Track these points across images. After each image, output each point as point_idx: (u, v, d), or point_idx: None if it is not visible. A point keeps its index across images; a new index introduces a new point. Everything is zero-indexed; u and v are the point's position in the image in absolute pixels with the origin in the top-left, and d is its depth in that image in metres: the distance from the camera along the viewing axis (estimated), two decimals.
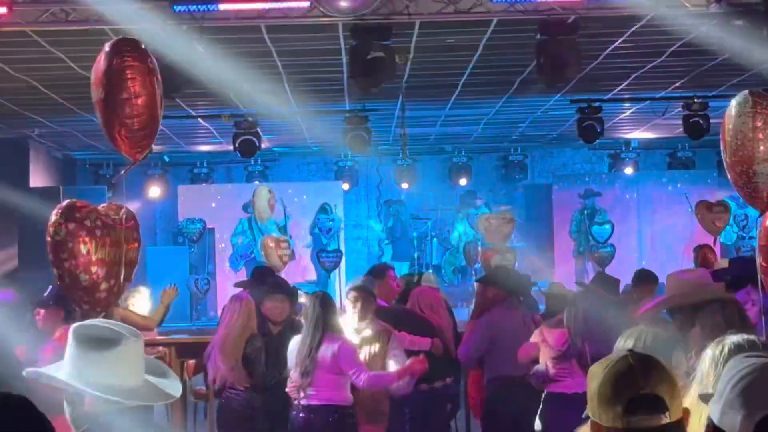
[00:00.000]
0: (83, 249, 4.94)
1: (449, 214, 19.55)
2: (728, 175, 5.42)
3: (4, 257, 14.96)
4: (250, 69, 11.43)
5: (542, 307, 8.66)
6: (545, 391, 7.24)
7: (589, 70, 11.69)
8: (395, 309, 8.11)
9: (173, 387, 3.17)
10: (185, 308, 16.84)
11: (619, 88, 13.53)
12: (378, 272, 8.80)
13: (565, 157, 20.28)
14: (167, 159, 18.90)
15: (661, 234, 18.84)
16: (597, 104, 14.18)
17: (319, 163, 19.83)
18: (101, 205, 5.27)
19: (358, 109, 14.06)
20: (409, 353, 7.16)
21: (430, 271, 18.08)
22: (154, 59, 5.32)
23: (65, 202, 5.12)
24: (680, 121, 14.54)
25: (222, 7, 8.63)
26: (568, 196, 19.30)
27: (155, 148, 14.86)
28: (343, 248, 18.64)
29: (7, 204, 14.40)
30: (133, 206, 16.24)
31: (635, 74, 12.52)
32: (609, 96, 14.09)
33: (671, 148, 19.43)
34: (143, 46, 5.32)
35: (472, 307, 9.07)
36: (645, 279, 8.56)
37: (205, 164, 19.28)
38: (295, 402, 6.88)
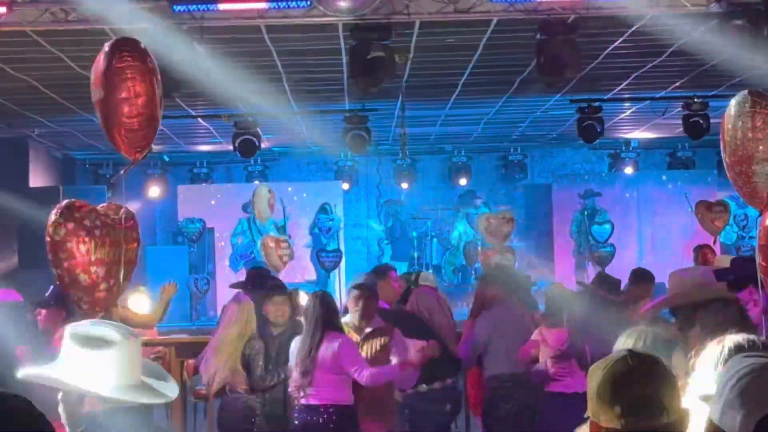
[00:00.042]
0: (82, 249, 4.93)
1: (449, 213, 19.55)
2: (728, 175, 5.41)
3: (4, 257, 14.96)
4: (249, 69, 11.44)
5: (542, 307, 8.66)
6: (545, 391, 7.25)
7: (589, 69, 11.69)
8: (394, 311, 8.09)
9: (170, 388, 3.17)
10: (185, 308, 16.86)
11: (619, 87, 13.53)
12: (380, 272, 8.76)
13: (565, 157, 20.28)
14: (167, 159, 18.91)
15: (661, 234, 18.84)
16: (597, 104, 14.18)
17: (319, 162, 19.82)
18: (100, 205, 5.26)
19: (358, 108, 14.06)
20: None
21: (430, 270, 18.11)
22: (153, 59, 5.32)
23: (64, 202, 5.11)
24: (680, 121, 14.54)
25: (222, 6, 8.63)
26: (567, 196, 19.29)
27: (155, 147, 14.87)
28: (342, 248, 18.64)
29: (6, 204, 14.40)
30: (133, 206, 16.25)
31: (635, 74, 12.52)
32: (609, 96, 14.09)
33: (671, 148, 19.43)
34: (143, 46, 5.31)
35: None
36: (642, 278, 8.55)
37: (205, 164, 19.29)
38: (297, 402, 6.88)
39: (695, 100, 13.92)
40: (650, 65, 11.88)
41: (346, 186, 19.17)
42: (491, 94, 13.95)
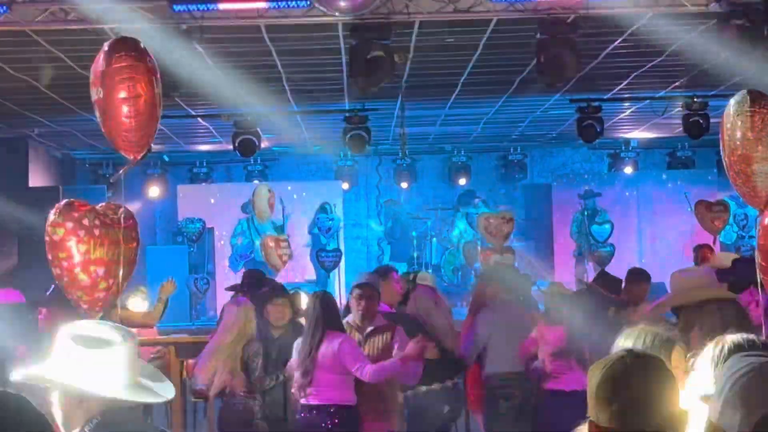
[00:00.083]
0: (81, 248, 4.94)
1: (448, 213, 19.55)
2: (727, 175, 5.42)
3: (4, 257, 14.96)
4: (249, 68, 11.44)
5: (542, 307, 8.66)
6: (543, 388, 7.25)
7: (588, 69, 11.68)
8: (396, 315, 8.05)
9: (166, 389, 3.17)
10: (185, 308, 16.84)
11: (618, 87, 13.52)
12: (381, 273, 8.71)
13: (565, 157, 20.28)
14: (167, 158, 18.90)
15: (661, 233, 18.83)
16: (597, 104, 14.17)
17: (319, 162, 19.81)
18: (99, 205, 5.27)
19: (358, 108, 14.06)
20: None
21: (429, 270, 18.11)
22: (153, 58, 5.32)
23: (63, 202, 5.12)
24: (680, 121, 14.54)
25: (222, 6, 8.63)
26: (567, 196, 19.29)
27: (155, 147, 14.83)
28: (342, 248, 18.65)
29: (6, 203, 14.39)
30: (133, 206, 16.28)
31: (635, 73, 12.52)
32: (609, 95, 14.08)
33: (671, 148, 19.43)
34: (142, 46, 5.31)
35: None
36: (638, 278, 8.55)
37: (205, 164, 19.29)
38: (298, 402, 6.87)
39: (695, 99, 13.92)
40: (650, 65, 11.87)
41: (345, 186, 19.17)
42: (491, 94, 13.95)
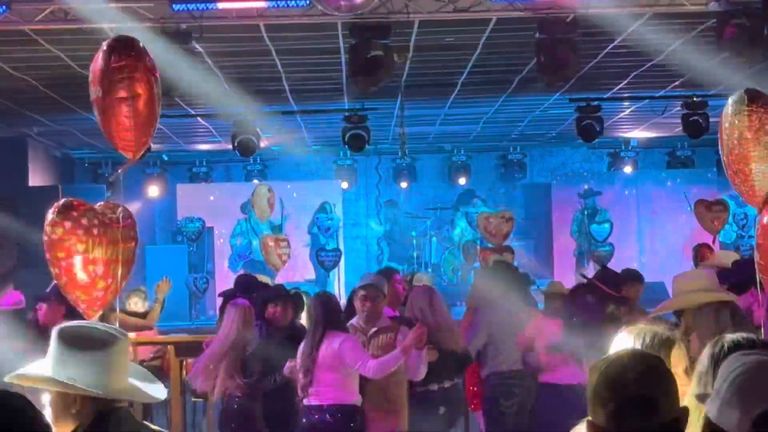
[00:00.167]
0: (80, 248, 4.94)
1: (448, 213, 19.56)
2: (726, 174, 5.42)
3: (3, 256, 14.95)
4: (248, 68, 11.45)
5: (541, 306, 8.65)
6: (539, 381, 7.25)
7: (588, 68, 11.69)
8: (399, 318, 8.00)
9: (157, 390, 3.18)
10: (184, 307, 16.85)
11: (618, 86, 13.53)
12: (384, 275, 8.67)
13: (564, 156, 20.28)
14: (166, 158, 18.91)
15: (660, 233, 18.84)
16: (596, 103, 14.18)
17: (318, 162, 19.81)
18: (98, 204, 5.26)
19: (357, 107, 14.06)
20: None
21: (429, 270, 18.12)
22: (152, 58, 5.32)
23: (62, 201, 5.11)
24: (679, 120, 14.54)
25: (221, 6, 8.63)
26: (567, 195, 19.30)
27: (154, 147, 14.92)
28: (342, 247, 18.65)
29: (6, 203, 14.39)
30: (132, 205, 16.25)
31: (634, 73, 12.52)
32: (608, 95, 14.09)
33: (670, 147, 19.43)
34: (141, 45, 5.31)
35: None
36: (631, 278, 8.53)
37: (204, 163, 19.29)
38: (301, 403, 6.85)
39: (694, 99, 13.92)
40: (649, 64, 11.88)
41: (345, 185, 19.17)
42: (490, 93, 13.95)
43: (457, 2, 8.93)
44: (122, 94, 5.10)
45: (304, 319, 8.67)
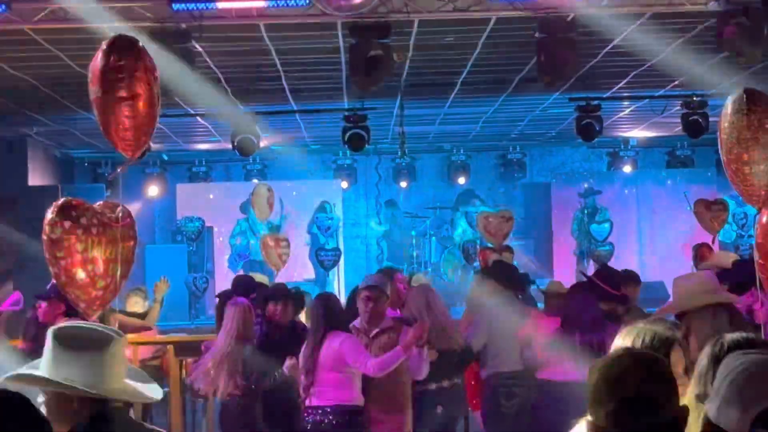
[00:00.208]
0: (79, 247, 4.94)
1: (447, 212, 19.56)
2: (726, 173, 5.42)
3: (3, 255, 14.95)
4: (248, 67, 11.44)
5: (541, 306, 8.65)
6: (537, 377, 7.25)
7: (587, 68, 11.69)
8: (401, 319, 7.98)
9: (153, 390, 3.18)
10: (184, 307, 16.84)
11: (618, 86, 13.52)
12: (385, 274, 8.64)
13: (564, 156, 20.28)
14: (166, 157, 18.90)
15: (660, 232, 18.84)
16: (596, 102, 14.17)
17: (318, 161, 19.81)
18: (97, 203, 5.27)
19: (357, 107, 14.05)
20: None
21: (429, 269, 18.11)
22: (151, 57, 5.32)
23: (61, 200, 5.12)
24: (679, 120, 14.54)
25: (221, 5, 8.63)
26: (566, 195, 19.29)
27: (154, 146, 14.90)
28: (342, 247, 18.65)
29: (5, 202, 14.39)
30: (132, 205, 16.22)
31: (634, 72, 12.51)
32: (608, 94, 14.08)
33: (670, 147, 19.43)
34: (141, 44, 5.31)
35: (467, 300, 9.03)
36: (629, 279, 8.53)
37: (204, 163, 19.29)
38: (304, 403, 6.85)
39: (694, 98, 13.92)
40: (649, 64, 11.87)
41: (345, 185, 19.18)
42: (490, 93, 13.94)
43: (457, 1, 8.93)
44: (122, 93, 5.10)
45: (304, 318, 8.69)
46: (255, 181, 18.77)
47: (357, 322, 7.07)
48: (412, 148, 17.66)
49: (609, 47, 10.98)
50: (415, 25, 9.75)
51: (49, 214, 5.01)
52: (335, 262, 18.19)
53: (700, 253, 11.39)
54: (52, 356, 3.02)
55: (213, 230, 18.56)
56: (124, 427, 3.08)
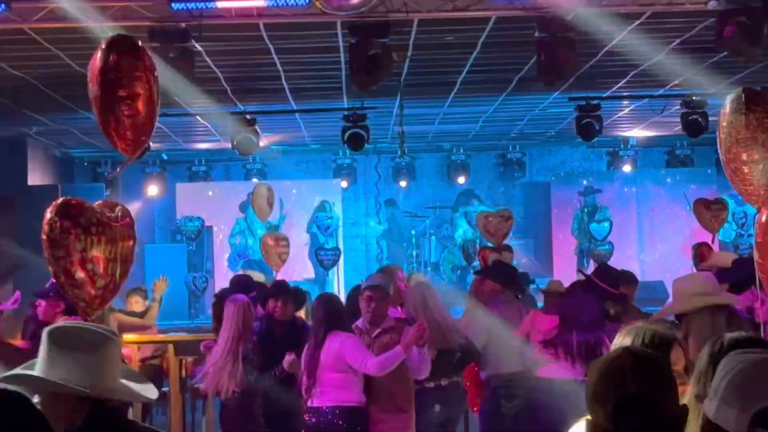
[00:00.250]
0: (78, 246, 4.94)
1: (447, 212, 19.56)
2: (725, 173, 5.43)
3: (2, 255, 14.95)
4: (248, 67, 11.44)
5: (540, 305, 8.65)
6: (533, 375, 7.24)
7: (587, 67, 11.69)
8: (403, 320, 7.97)
9: (148, 390, 3.19)
10: (183, 306, 16.85)
11: (617, 85, 13.52)
12: (386, 272, 8.63)
13: (564, 155, 20.28)
14: (165, 157, 18.90)
15: (659, 232, 18.84)
16: (595, 102, 14.17)
17: (318, 160, 19.82)
18: (96, 203, 5.26)
19: (357, 106, 14.06)
20: None
21: (428, 269, 18.11)
22: (151, 56, 5.32)
23: (60, 200, 5.11)
24: (679, 119, 14.54)
25: (220, 4, 8.63)
26: (566, 194, 19.29)
27: (153, 146, 14.90)
28: (341, 246, 18.65)
29: (5, 202, 14.39)
30: (132, 204, 16.21)
31: (634, 72, 12.51)
32: (607, 94, 14.09)
33: (670, 146, 19.43)
34: (140, 43, 5.31)
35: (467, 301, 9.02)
36: (626, 279, 8.52)
37: (204, 162, 19.29)
38: (305, 405, 6.84)
39: (694, 98, 13.92)
40: (649, 63, 11.87)
41: (344, 184, 19.18)
42: (490, 92, 13.95)
43: (456, 1, 8.93)
44: (121, 92, 5.10)
45: (304, 316, 8.69)
46: (255, 180, 18.77)
47: (359, 322, 7.06)
48: (412, 148, 17.67)
49: (609, 47, 10.98)
50: (415, 24, 9.75)
51: (48, 214, 5.00)
52: (335, 262, 18.19)
53: (700, 252, 11.38)
54: (47, 356, 3.02)
55: (212, 230, 18.56)
56: (120, 427, 3.08)
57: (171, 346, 9.26)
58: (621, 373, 2.44)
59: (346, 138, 14.20)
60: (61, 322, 6.89)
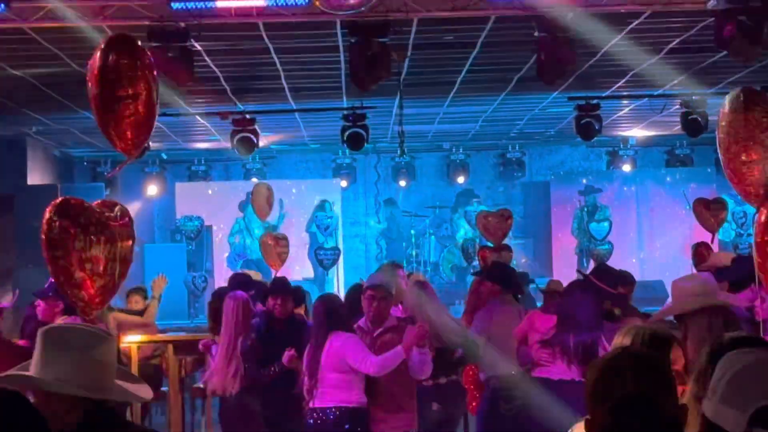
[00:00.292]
0: (77, 246, 4.94)
1: (447, 211, 19.56)
2: (724, 172, 5.43)
3: (2, 254, 14.96)
4: (247, 66, 11.44)
5: (540, 305, 8.64)
6: (531, 376, 7.24)
7: (587, 67, 11.69)
8: (406, 319, 7.97)
9: (142, 390, 3.19)
10: (183, 306, 16.85)
11: (617, 85, 13.52)
12: (387, 271, 8.61)
13: (563, 155, 20.28)
14: (165, 156, 18.90)
15: (659, 231, 18.84)
16: (595, 101, 14.17)
17: (317, 160, 19.82)
18: (95, 202, 5.27)
19: (356, 106, 14.05)
20: None
21: (428, 268, 18.11)
22: (150, 56, 5.32)
23: (59, 200, 5.12)
24: (678, 119, 14.53)
25: (220, 4, 8.62)
26: (566, 194, 19.30)
27: (153, 145, 14.90)
28: (341, 246, 18.64)
29: (5, 201, 14.39)
30: (132, 204, 16.19)
31: (633, 71, 12.51)
32: (607, 93, 14.08)
33: (669, 146, 19.43)
34: (139, 43, 5.31)
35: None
36: (622, 279, 8.52)
37: (203, 162, 19.29)
38: (307, 405, 6.83)
39: (693, 97, 13.92)
40: (648, 62, 11.87)
41: (344, 183, 19.17)
42: (489, 92, 13.94)
43: (456, 0, 8.93)
44: (121, 92, 5.10)
45: (303, 314, 8.69)
46: (254, 180, 18.77)
47: (362, 321, 7.05)
48: (412, 147, 17.65)
49: (608, 46, 10.98)
50: (414, 23, 9.75)
51: (48, 213, 5.01)
52: (334, 261, 18.18)
53: (699, 252, 11.38)
54: (43, 357, 3.02)
55: (212, 229, 18.55)
56: (115, 427, 3.08)
57: (170, 346, 9.27)
58: (620, 373, 2.44)
59: (345, 137, 14.20)
60: (60, 321, 6.91)
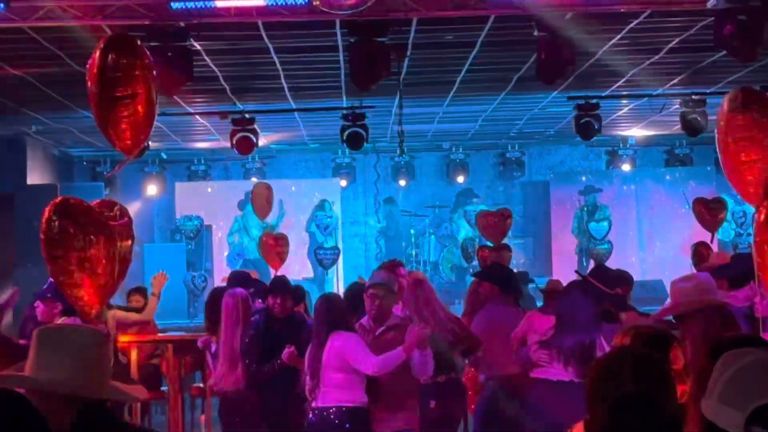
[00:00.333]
0: (76, 246, 4.95)
1: (446, 211, 19.56)
2: (723, 172, 5.43)
3: (2, 254, 14.96)
4: (247, 66, 11.44)
5: (540, 305, 8.63)
6: (530, 376, 7.24)
7: (586, 66, 11.69)
8: (407, 319, 7.95)
9: (137, 391, 3.19)
10: (182, 305, 16.86)
11: (616, 84, 13.52)
12: (389, 269, 8.59)
13: (563, 154, 20.28)
14: (164, 156, 18.90)
15: (659, 231, 18.85)
16: (594, 101, 14.17)
17: (317, 160, 19.82)
18: (95, 202, 5.27)
19: (356, 105, 14.06)
20: None
21: (428, 268, 18.12)
22: (149, 56, 5.32)
23: (58, 199, 5.12)
24: (678, 118, 14.53)
25: (219, 4, 8.62)
26: (565, 193, 19.30)
27: (153, 145, 14.90)
28: (340, 245, 18.64)
29: (4, 201, 14.39)
30: (131, 203, 16.19)
31: (633, 71, 12.51)
32: (607, 93, 14.08)
33: (669, 145, 19.43)
34: (139, 43, 5.31)
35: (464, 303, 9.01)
36: (620, 279, 8.51)
37: (203, 161, 19.29)
38: (308, 405, 6.83)
39: (693, 97, 13.92)
40: (648, 62, 11.87)
41: (344, 183, 19.17)
42: (489, 91, 13.94)
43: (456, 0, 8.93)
44: (120, 92, 5.10)
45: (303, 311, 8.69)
46: (254, 179, 18.77)
47: (364, 320, 7.05)
48: (411, 147, 17.65)
49: (608, 45, 10.98)
50: (414, 23, 9.75)
51: (47, 213, 5.01)
52: (334, 261, 18.19)
53: (698, 252, 11.39)
54: (37, 357, 3.02)
55: (212, 229, 18.55)
56: (110, 427, 3.08)
57: (170, 346, 9.27)
58: (620, 372, 2.44)
59: (345, 137, 14.20)
60: (59, 322, 6.91)
